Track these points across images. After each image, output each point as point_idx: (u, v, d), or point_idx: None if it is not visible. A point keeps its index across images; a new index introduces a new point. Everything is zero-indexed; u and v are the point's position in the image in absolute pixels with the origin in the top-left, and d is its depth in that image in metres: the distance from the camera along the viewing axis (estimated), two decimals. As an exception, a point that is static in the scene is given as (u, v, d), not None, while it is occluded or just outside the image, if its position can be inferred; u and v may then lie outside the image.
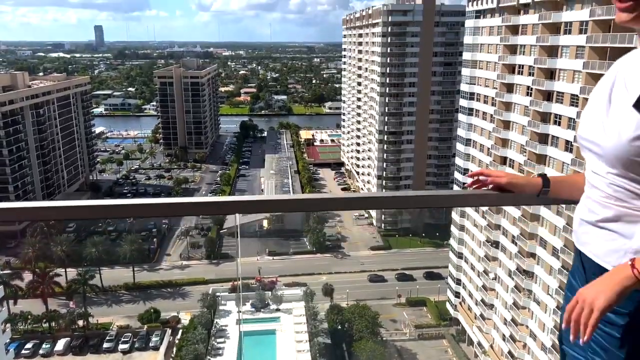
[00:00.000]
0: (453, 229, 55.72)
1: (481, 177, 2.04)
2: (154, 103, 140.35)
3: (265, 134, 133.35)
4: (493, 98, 48.30)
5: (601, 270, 1.42)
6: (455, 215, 55.29)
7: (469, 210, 53.21)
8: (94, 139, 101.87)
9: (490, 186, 2.01)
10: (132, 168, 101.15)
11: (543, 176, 1.93)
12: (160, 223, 68.28)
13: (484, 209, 49.01)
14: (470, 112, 53.67)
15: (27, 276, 48.43)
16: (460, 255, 53.13)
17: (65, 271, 51.06)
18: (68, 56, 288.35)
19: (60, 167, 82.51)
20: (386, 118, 76.83)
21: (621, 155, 1.33)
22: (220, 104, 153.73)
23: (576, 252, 1.59)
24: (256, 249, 62.41)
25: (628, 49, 1.53)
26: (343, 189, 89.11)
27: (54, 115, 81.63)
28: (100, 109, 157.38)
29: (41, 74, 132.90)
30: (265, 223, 68.56)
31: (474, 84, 52.70)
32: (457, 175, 56.41)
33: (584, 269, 1.54)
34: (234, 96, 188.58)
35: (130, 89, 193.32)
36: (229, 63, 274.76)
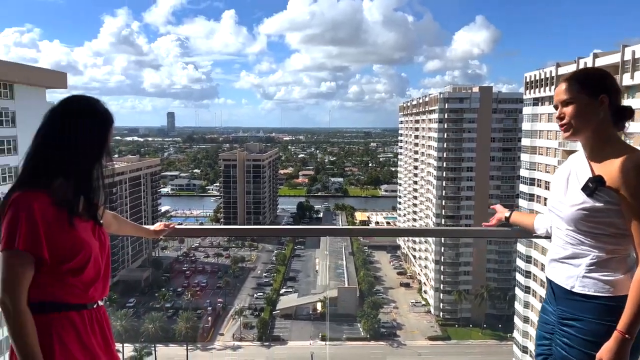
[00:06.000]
0: (517, 320, 52.57)
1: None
2: (217, 184, 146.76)
3: (321, 214, 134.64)
4: (555, 184, 47.24)
5: (564, 291, 2.18)
6: (518, 306, 52.40)
7: (532, 300, 50.45)
8: (160, 217, 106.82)
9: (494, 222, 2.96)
10: (193, 246, 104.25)
11: (511, 210, 2.87)
12: (216, 302, 68.82)
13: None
14: (531, 197, 52.48)
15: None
16: (525, 350, 49.54)
17: (123, 346, 51.94)
18: (142, 140, 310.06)
19: (126, 243, 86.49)
20: (443, 202, 76.14)
21: (572, 218, 2.13)
22: (280, 185, 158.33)
23: (548, 283, 2.33)
24: (309, 332, 61.12)
25: None
26: (399, 273, 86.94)
27: (125, 194, 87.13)
28: (167, 189, 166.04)
29: (117, 156, 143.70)
30: (318, 306, 67.46)
31: (534, 170, 51.97)
32: (520, 263, 54.06)
33: (554, 294, 2.27)
34: (292, 178, 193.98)
35: (196, 170, 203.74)
36: (289, 147, 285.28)
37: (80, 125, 2.01)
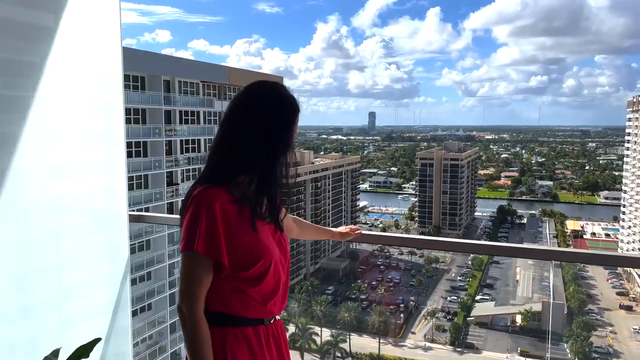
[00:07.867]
0: None
1: None
2: (413, 182, 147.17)
3: (524, 220, 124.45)
4: None
5: None
6: None
7: None
8: (358, 211, 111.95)
9: None
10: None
11: None
12: (408, 300, 69.17)
13: None
14: None
15: (290, 328, 54.60)
16: None
17: (321, 330, 55.88)
18: (344, 138, 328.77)
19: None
20: (684, 215, 63.40)
21: None
22: (479, 186, 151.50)
23: None
24: (506, 345, 57.21)
25: None
26: (619, 294, 75.26)
27: (328, 188, 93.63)
28: (365, 185, 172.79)
29: (322, 152, 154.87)
30: (518, 318, 62.67)
31: None
32: None
33: None
34: (493, 179, 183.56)
35: (393, 168, 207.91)
36: (490, 146, 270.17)
37: (263, 114, 1.76)
